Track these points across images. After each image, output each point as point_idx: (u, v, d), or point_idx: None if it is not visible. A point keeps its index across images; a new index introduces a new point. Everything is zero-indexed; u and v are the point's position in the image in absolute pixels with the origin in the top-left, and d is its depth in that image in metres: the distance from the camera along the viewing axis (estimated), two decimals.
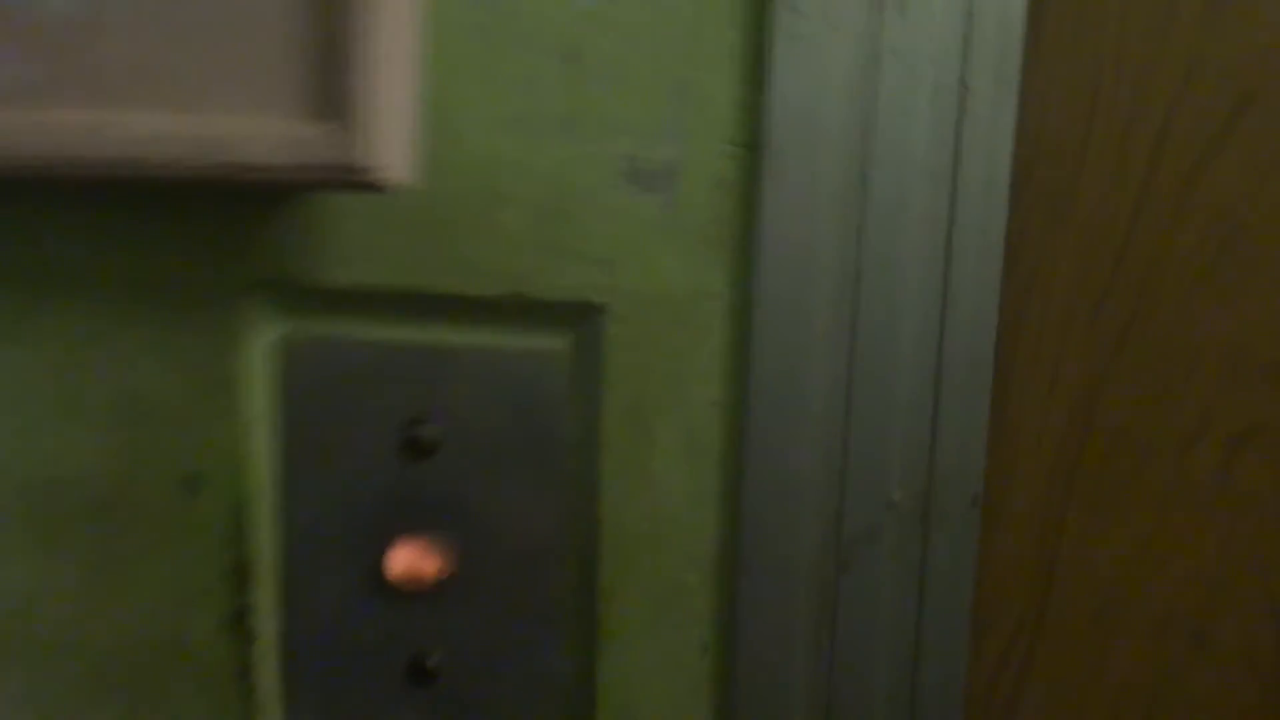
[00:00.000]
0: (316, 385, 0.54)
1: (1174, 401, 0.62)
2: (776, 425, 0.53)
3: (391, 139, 0.48)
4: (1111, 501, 0.63)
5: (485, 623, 0.55)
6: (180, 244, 0.53)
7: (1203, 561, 0.63)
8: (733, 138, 0.51)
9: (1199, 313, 0.61)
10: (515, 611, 0.55)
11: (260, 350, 0.54)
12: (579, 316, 0.53)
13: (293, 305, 0.54)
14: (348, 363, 0.54)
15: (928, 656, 0.55)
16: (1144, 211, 0.60)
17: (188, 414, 0.54)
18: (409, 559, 0.54)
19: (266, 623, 0.56)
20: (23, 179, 0.50)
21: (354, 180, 0.47)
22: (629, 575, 0.54)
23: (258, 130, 0.47)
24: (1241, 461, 0.62)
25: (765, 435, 0.53)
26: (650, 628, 0.55)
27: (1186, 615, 0.64)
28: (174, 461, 0.55)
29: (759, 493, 0.53)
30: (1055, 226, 0.60)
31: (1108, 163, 0.59)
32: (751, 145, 0.51)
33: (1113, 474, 0.63)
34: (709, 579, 0.54)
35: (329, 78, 0.47)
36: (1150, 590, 0.64)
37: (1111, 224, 0.60)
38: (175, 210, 0.53)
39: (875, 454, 0.53)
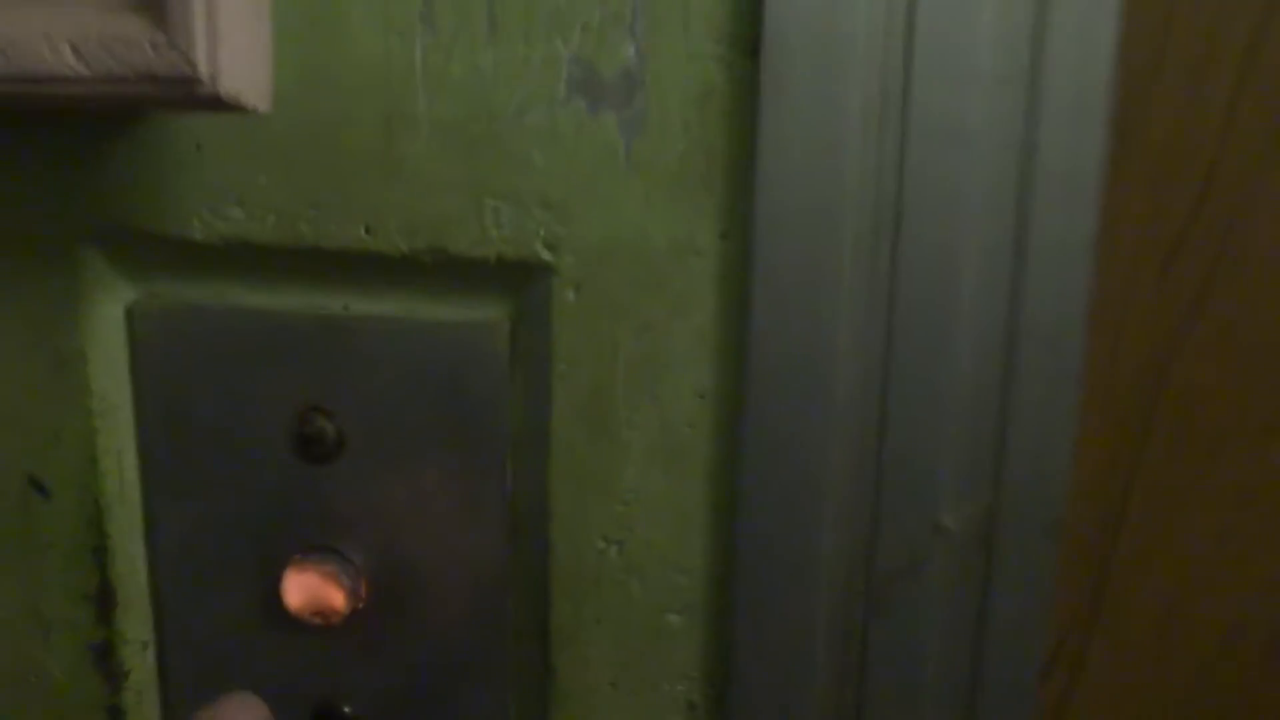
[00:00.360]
0: (182, 365, 0.42)
1: (1259, 376, 0.54)
2: (786, 423, 0.39)
3: (236, 36, 0.34)
4: (1181, 493, 0.55)
5: (408, 669, 0.43)
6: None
7: None
8: (720, 33, 0.36)
9: None
10: (445, 657, 0.43)
11: (109, 321, 0.42)
12: (520, 279, 0.40)
13: (144, 263, 0.41)
14: (220, 337, 0.41)
15: None
16: (1231, 139, 0.50)
17: (26, 402, 0.42)
18: (311, 586, 0.42)
19: (140, 657, 0.45)
20: None
21: (186, 94, 0.34)
22: (591, 615, 0.42)
23: (51, 26, 0.34)
24: None
25: (770, 437, 0.39)
26: (619, 681, 0.42)
27: (1264, 623, 0.57)
28: (13, 461, 0.43)
29: (762, 512, 0.40)
30: (1121, 159, 0.49)
31: (1187, 76, 0.49)
32: (747, 43, 0.36)
33: (1184, 460, 0.55)
34: (696, 621, 0.42)
35: None
36: (1223, 594, 0.58)
37: (1191, 156, 0.50)
38: None
39: (920, 463, 0.39)
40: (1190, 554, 0.56)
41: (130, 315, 0.42)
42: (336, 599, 0.42)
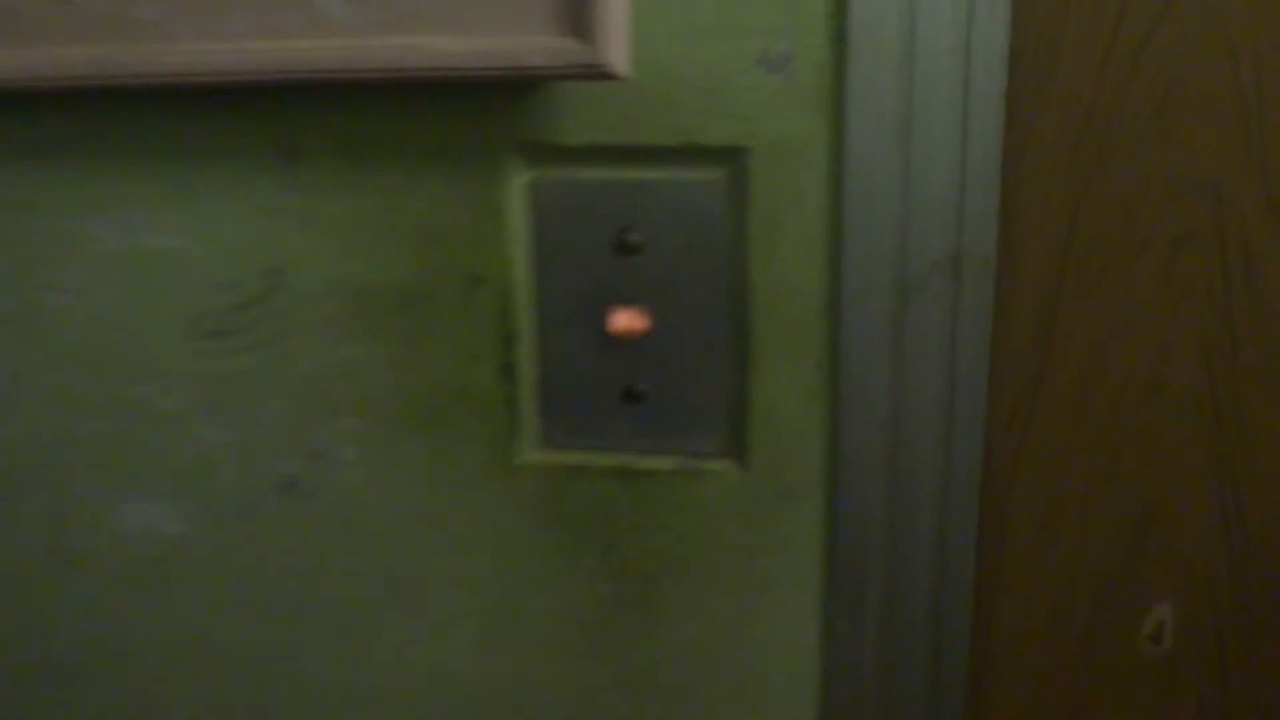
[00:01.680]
0: (556, 210, 0.82)
1: (1132, 215, 0.81)
2: (862, 221, 0.80)
3: (617, 45, 0.74)
4: (1094, 287, 0.82)
5: (675, 360, 0.84)
6: (463, 120, 0.80)
7: (1156, 331, 0.81)
8: (828, 34, 0.77)
9: (1149, 147, 0.80)
10: (695, 352, 0.84)
11: (519, 189, 0.82)
12: (732, 157, 0.80)
13: (540, 158, 0.81)
14: (577, 194, 0.81)
15: (961, 372, 0.84)
16: (1106, 73, 0.80)
17: (470, 235, 0.82)
18: (624, 319, 0.82)
19: (527, 370, 0.85)
20: (362, 85, 0.77)
21: (596, 74, 0.73)
22: (769, 322, 0.82)
23: (529, 45, 0.73)
24: (1180, 261, 0.81)
25: (854, 227, 0.80)
26: (782, 355, 0.83)
27: (1145, 371, 0.81)
28: (461, 267, 0.83)
29: (851, 263, 0.81)
30: (1042, 88, 0.81)
31: (1080, 36, 0.80)
32: (841, 38, 0.77)
33: (1093, 267, 0.82)
34: (820, 319, 0.82)
35: (577, 7, 0.73)
36: (1119, 354, 0.82)
37: (1082, 83, 0.80)
38: (459, 98, 0.80)
39: (923, 231, 0.81)
40: (1100, 329, 0.79)
41: (530, 186, 0.82)
42: (639, 325, 0.82)
